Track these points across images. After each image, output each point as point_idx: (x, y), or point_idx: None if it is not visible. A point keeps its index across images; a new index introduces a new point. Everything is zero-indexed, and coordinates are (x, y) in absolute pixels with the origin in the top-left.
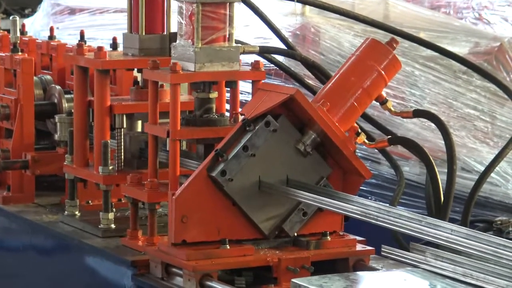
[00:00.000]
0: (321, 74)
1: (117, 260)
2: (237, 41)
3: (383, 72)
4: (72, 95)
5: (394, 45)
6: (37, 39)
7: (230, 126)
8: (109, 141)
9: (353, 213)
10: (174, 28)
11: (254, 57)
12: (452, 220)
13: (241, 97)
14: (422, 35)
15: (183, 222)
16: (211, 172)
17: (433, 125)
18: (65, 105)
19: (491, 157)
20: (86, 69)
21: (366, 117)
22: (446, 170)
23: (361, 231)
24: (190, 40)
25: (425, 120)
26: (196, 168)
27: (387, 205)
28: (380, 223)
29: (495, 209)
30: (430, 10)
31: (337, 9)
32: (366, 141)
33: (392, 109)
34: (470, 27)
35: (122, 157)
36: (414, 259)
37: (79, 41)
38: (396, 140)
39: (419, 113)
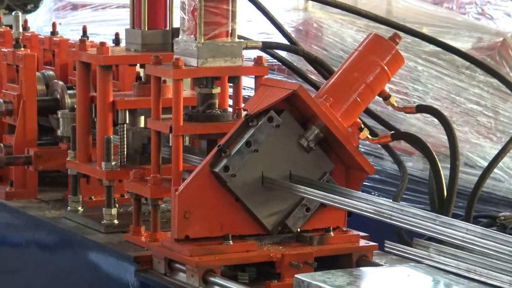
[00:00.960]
0: (324, 70)
1: (120, 256)
2: (239, 37)
3: (386, 67)
4: (75, 91)
5: (397, 40)
6: (40, 35)
7: (233, 121)
8: (111, 136)
9: (367, 212)
10: (176, 24)
11: (257, 53)
12: (455, 216)
13: (244, 92)
14: (425, 30)
15: (186, 218)
16: (214, 167)
17: (436, 120)
18: (68, 100)
19: (494, 152)
20: (89, 65)
21: (369, 113)
22: (449, 166)
23: (364, 226)
24: (192, 36)
25: (428, 115)
26: (199, 163)
27: (402, 203)
28: (394, 222)
29: (498, 205)
30: (433, 5)
31: (340, 4)
32: (369, 136)
33: (395, 104)
34: (473, 22)
35: (125, 152)
36: (418, 254)
37: (81, 36)
38: (399, 135)
39: (422, 108)
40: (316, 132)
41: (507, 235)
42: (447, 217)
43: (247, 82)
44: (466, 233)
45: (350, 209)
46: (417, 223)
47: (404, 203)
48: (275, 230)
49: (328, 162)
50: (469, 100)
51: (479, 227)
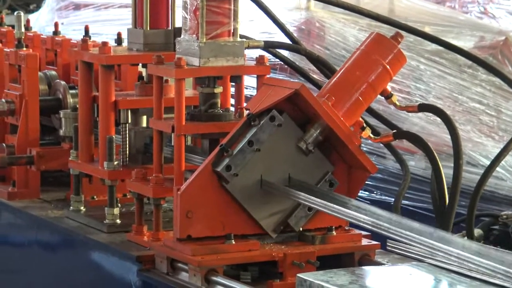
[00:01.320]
0: (326, 69)
1: (123, 256)
2: (241, 36)
3: (388, 66)
4: (77, 91)
5: (399, 39)
6: (42, 35)
7: (235, 121)
8: (114, 136)
9: (364, 223)
10: (178, 23)
11: (259, 52)
12: (458, 215)
13: (246, 92)
14: (427, 29)
15: (188, 217)
16: (216, 167)
17: (438, 119)
18: (70, 100)
19: (497, 151)
20: (91, 65)
21: (371, 112)
22: (452, 165)
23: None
24: (194, 35)
25: (431, 114)
26: (201, 163)
27: (399, 215)
28: (391, 235)
29: (500, 203)
30: (435, 4)
31: (342, 4)
32: (371, 135)
33: (397, 103)
34: (475, 21)
35: (127, 152)
36: (420, 253)
37: (83, 36)
38: (402, 134)
39: (424, 107)
40: (315, 135)
41: (504, 251)
42: (444, 232)
43: (249, 81)
44: (462, 250)
45: (358, 222)
46: (413, 237)
47: (407, 202)
48: (276, 231)
49: (328, 164)
50: (472, 99)
51: (474, 243)
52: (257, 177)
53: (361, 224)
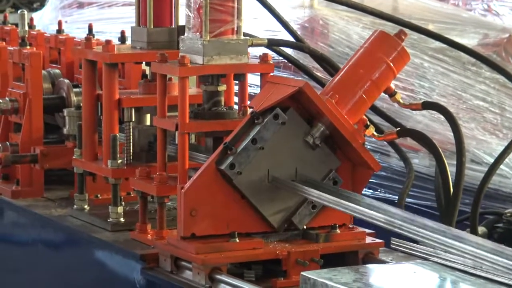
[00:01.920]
0: (330, 67)
1: (126, 254)
2: (245, 34)
3: (391, 64)
4: (81, 89)
5: (403, 37)
6: (46, 33)
7: (238, 119)
8: (117, 134)
9: (378, 221)
10: (182, 21)
11: (263, 50)
12: (462, 212)
13: (250, 90)
14: (431, 27)
15: (192, 216)
16: (220, 165)
17: (442, 117)
18: (74, 98)
19: (501, 148)
20: (95, 63)
21: (375, 110)
22: (455, 162)
23: (370, 223)
24: (198, 33)
25: (434, 112)
26: (204, 161)
27: (411, 213)
28: (405, 233)
29: (505, 201)
30: (439, 1)
31: (346, 1)
32: (375, 133)
33: (401, 101)
34: (479, 19)
35: (131, 150)
36: (424, 251)
37: (87, 34)
38: (405, 132)
39: (428, 105)
40: (322, 129)
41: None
42: (458, 230)
43: (253, 79)
44: (476, 248)
45: (372, 220)
46: (427, 235)
47: (410, 200)
48: (281, 227)
49: (334, 159)
50: (475, 97)
51: (489, 241)
52: (262, 174)
53: (375, 222)
